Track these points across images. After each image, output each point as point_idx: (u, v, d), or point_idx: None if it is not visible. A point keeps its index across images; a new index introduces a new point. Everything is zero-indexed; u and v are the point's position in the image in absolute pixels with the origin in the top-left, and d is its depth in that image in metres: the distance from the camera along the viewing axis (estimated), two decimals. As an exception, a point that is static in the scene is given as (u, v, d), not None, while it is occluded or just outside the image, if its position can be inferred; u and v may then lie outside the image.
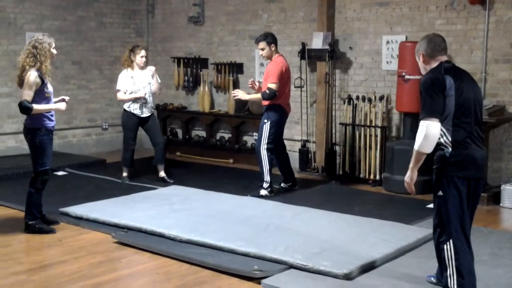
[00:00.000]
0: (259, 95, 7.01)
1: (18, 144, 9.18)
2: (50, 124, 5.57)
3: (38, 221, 5.63)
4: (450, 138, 3.79)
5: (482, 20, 7.21)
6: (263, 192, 6.94)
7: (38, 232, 5.55)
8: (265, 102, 6.99)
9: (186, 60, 10.03)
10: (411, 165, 3.88)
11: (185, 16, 10.10)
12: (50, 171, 5.74)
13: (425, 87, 3.80)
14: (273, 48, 7.01)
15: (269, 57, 7.05)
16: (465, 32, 7.36)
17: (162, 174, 7.74)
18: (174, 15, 10.32)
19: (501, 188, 6.74)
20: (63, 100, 5.78)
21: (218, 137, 9.66)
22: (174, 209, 6.18)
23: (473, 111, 3.84)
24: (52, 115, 5.61)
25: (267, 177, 6.97)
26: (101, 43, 10.22)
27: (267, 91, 6.86)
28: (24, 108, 5.41)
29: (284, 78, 6.98)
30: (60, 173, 8.13)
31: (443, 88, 3.76)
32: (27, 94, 5.42)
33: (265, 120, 6.96)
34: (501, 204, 6.71)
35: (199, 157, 9.50)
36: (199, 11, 9.89)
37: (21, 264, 4.82)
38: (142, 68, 7.54)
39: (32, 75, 5.42)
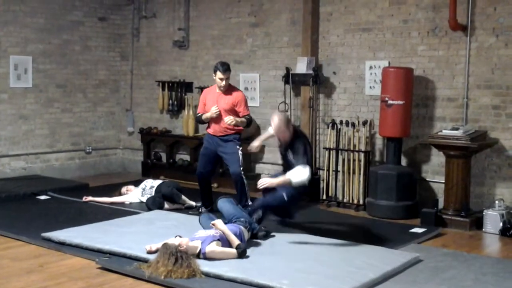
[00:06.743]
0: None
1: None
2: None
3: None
4: None
5: (463, 46, 7.31)
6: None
7: None
8: (229, 131, 7.10)
9: (170, 84, 10.05)
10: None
11: (170, 40, 10.13)
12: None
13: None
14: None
15: (226, 88, 7.09)
16: (447, 58, 7.47)
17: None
18: (159, 39, 10.35)
19: (484, 213, 6.77)
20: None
21: (202, 161, 9.62)
22: (158, 234, 6.11)
23: None
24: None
25: (250, 201, 7.00)
26: (86, 67, 10.21)
27: (248, 120, 7.09)
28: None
29: None
30: (42, 197, 8.04)
31: None
32: None
33: (237, 147, 7.14)
34: (483, 229, 6.73)
35: (183, 181, 9.43)
36: (184, 35, 9.94)
37: (2, 290, 4.75)
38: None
39: None
